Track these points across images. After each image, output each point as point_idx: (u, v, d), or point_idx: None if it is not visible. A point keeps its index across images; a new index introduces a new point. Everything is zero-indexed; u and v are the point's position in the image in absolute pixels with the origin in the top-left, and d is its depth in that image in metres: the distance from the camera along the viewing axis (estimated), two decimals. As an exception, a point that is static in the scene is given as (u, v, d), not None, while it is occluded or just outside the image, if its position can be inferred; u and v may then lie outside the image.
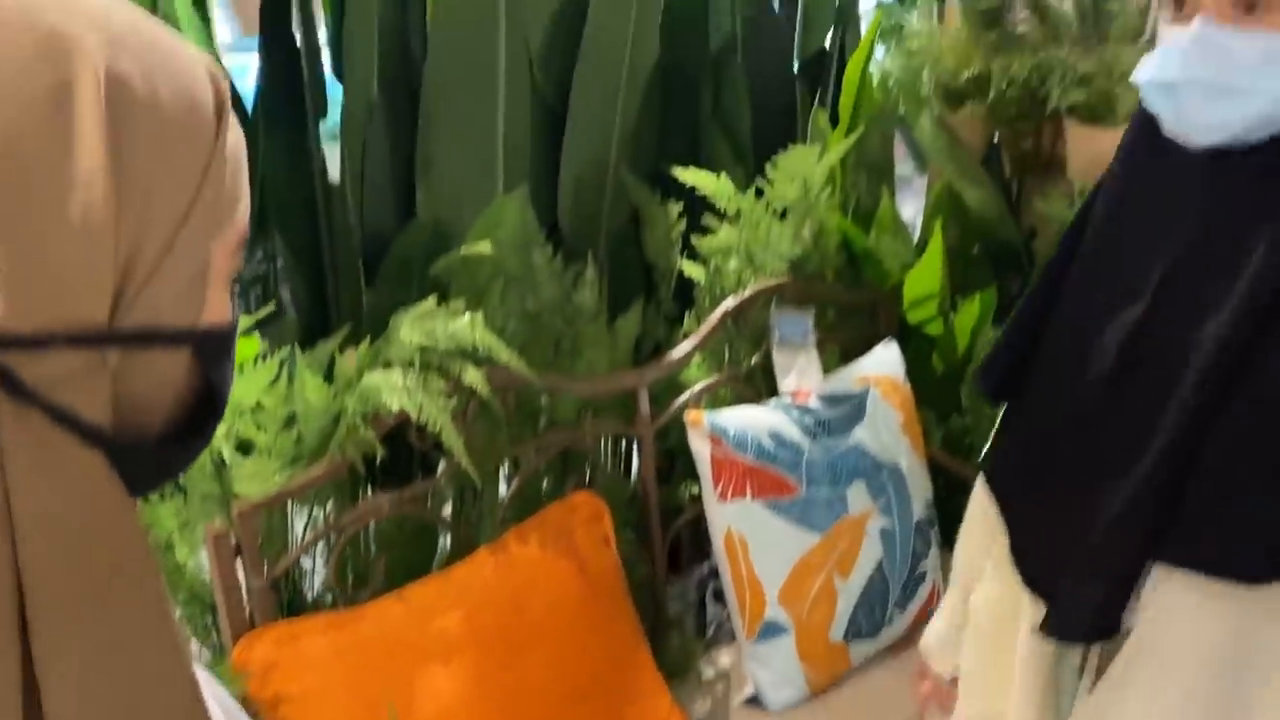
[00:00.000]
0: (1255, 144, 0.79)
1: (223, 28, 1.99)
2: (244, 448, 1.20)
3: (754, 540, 1.54)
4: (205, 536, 1.18)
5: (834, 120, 1.96)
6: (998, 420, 1.08)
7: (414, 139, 1.60)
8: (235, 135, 0.53)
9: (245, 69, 1.84)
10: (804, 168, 1.70)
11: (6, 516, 0.45)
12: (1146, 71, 0.83)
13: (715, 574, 1.70)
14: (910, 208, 2.47)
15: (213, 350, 0.53)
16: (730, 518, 1.54)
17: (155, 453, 0.53)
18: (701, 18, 1.95)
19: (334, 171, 1.71)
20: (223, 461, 1.19)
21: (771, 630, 1.54)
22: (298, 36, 1.69)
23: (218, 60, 1.67)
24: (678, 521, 1.63)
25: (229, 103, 0.52)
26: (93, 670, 0.49)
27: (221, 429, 1.19)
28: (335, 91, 1.69)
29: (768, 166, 1.71)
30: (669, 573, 1.69)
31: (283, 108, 1.69)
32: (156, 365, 0.51)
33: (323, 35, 1.71)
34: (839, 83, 1.96)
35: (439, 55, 1.59)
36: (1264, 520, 0.81)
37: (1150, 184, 0.88)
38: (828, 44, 2.18)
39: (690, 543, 1.79)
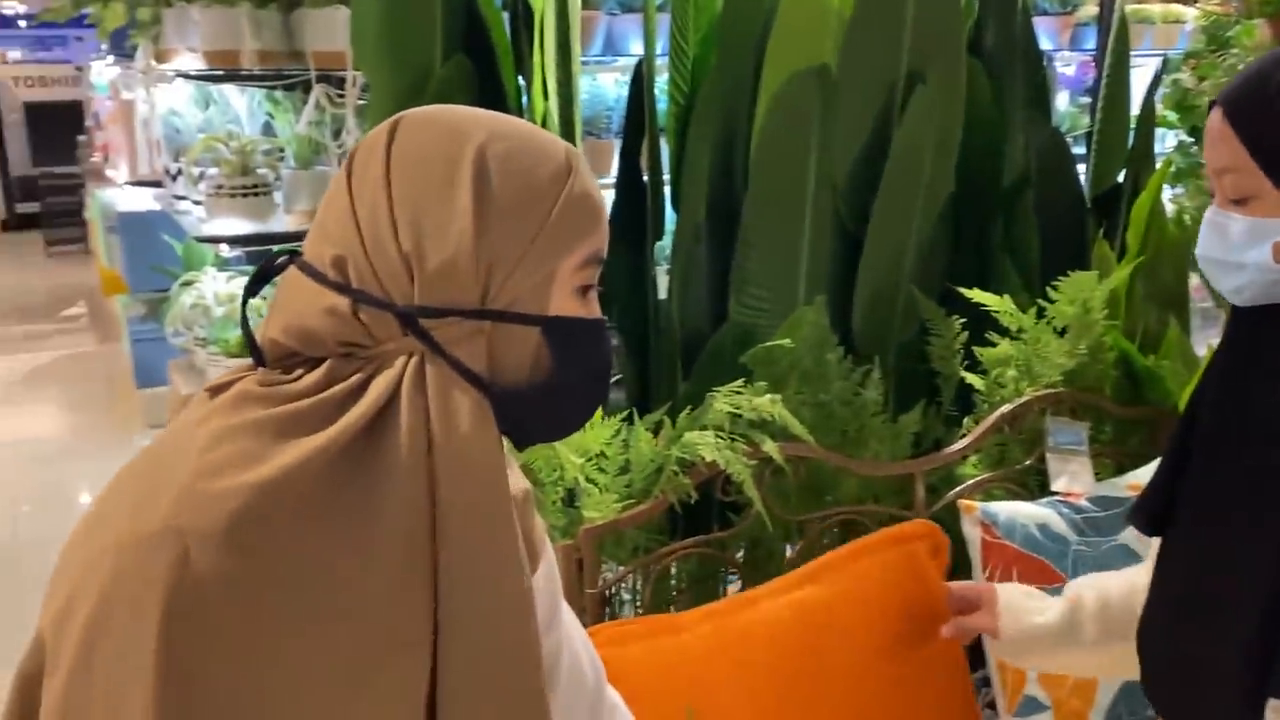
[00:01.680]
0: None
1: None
2: (591, 484, 1.60)
3: (1018, 623, 1.75)
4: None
5: (1123, 252, 2.19)
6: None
7: (730, 257, 2.02)
8: (583, 189, 0.82)
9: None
10: (1085, 291, 1.95)
11: (426, 434, 0.76)
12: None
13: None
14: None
15: (558, 334, 0.81)
16: (997, 600, 1.77)
17: (521, 399, 0.81)
18: (996, 156, 2.26)
19: (662, 284, 2.16)
20: (572, 496, 1.61)
21: (1031, 706, 1.73)
22: (645, 175, 2.18)
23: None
24: (947, 602, 1.87)
25: (576, 168, 0.82)
26: (482, 579, 0.76)
27: (574, 469, 1.60)
28: (670, 220, 2.15)
29: (1049, 289, 1.98)
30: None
31: (628, 231, 2.17)
32: (515, 337, 0.80)
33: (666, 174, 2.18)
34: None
35: (758, 188, 2.01)
36: None
37: (1242, 336, 1.09)
38: (1121, 179, 2.42)
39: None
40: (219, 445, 0.74)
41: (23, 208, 10.18)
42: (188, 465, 0.73)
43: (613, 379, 1.99)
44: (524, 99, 2.12)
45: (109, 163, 5.65)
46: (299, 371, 0.80)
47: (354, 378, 0.78)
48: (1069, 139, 3.25)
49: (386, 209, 0.78)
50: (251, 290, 0.86)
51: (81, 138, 8.02)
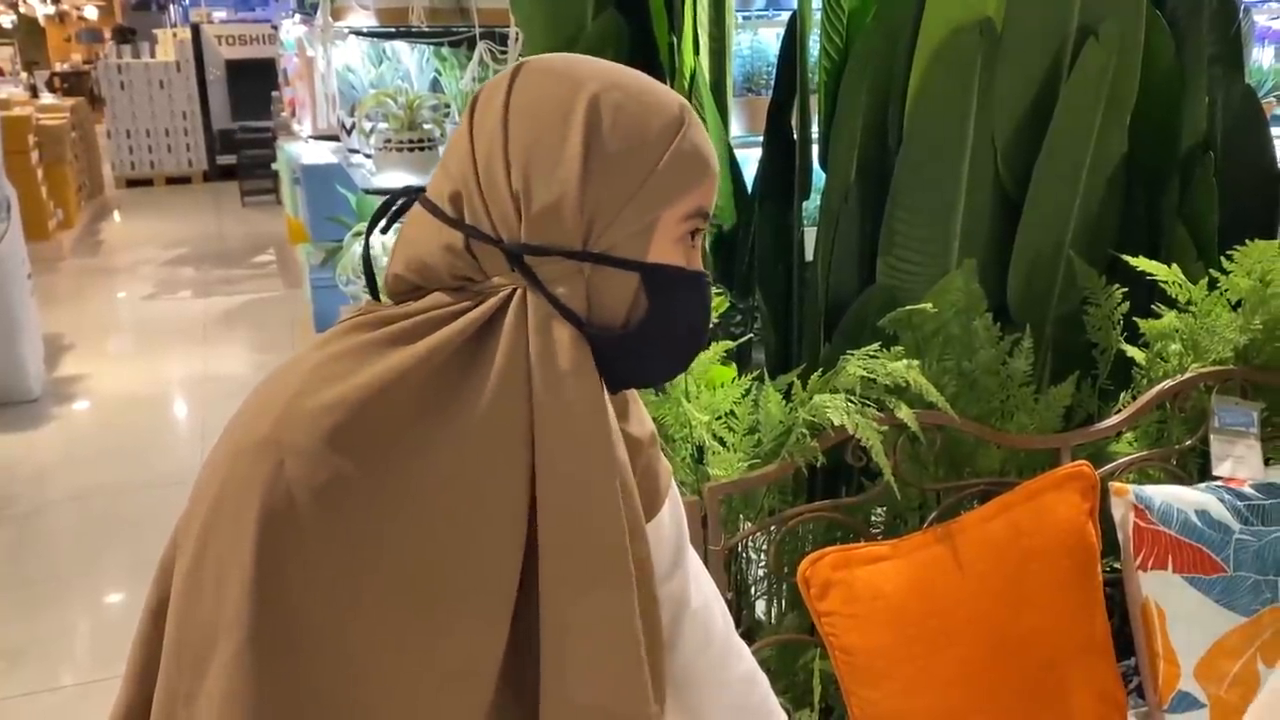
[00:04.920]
0: None
1: (735, 125, 2.53)
2: (719, 443, 1.61)
3: (1172, 612, 1.67)
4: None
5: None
6: None
7: (880, 218, 1.97)
8: (693, 143, 0.85)
9: (747, 160, 2.33)
10: (1264, 262, 1.82)
11: (525, 363, 0.81)
12: None
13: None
14: None
15: (656, 281, 0.84)
16: (1149, 588, 1.68)
17: (616, 342, 0.84)
18: (1175, 116, 2.12)
19: (808, 244, 2.13)
20: (701, 452, 1.62)
21: (1185, 703, 1.65)
22: (794, 132, 2.14)
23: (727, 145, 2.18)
24: (1091, 584, 1.79)
25: (688, 122, 0.84)
26: (579, 510, 0.80)
27: (702, 426, 1.61)
28: (818, 179, 2.11)
29: (1224, 260, 1.85)
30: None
31: (775, 190, 2.15)
32: (614, 281, 0.83)
33: (815, 132, 2.14)
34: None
35: (912, 146, 1.95)
36: None
37: None
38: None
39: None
40: (321, 367, 0.81)
41: (223, 159, 10.79)
42: (293, 385, 0.80)
43: (745, 339, 1.99)
44: (675, 56, 2.11)
45: (295, 117, 5.94)
46: (409, 302, 0.86)
47: (459, 305, 0.83)
48: (1274, 98, 3.03)
49: (501, 150, 0.83)
50: (374, 224, 0.92)
51: (274, 93, 8.47)
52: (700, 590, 1.11)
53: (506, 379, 0.80)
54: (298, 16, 5.67)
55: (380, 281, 0.92)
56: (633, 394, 0.99)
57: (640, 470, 0.95)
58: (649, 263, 0.84)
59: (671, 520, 1.07)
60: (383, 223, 0.93)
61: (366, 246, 0.91)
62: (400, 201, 0.91)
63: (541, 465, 0.80)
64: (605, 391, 0.87)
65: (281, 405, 0.79)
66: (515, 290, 0.82)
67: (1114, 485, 1.72)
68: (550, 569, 0.81)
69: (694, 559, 1.12)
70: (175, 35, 11.59)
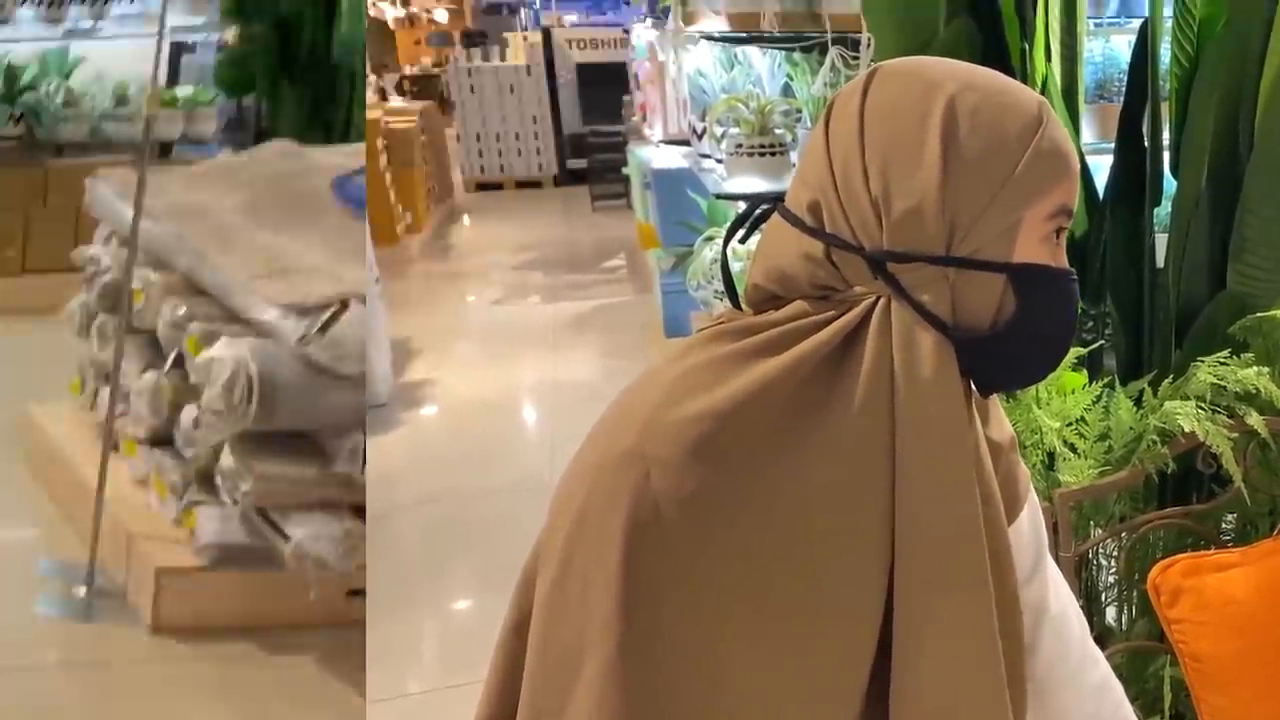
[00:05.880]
0: None
1: (1087, 132, 2.60)
2: (1070, 449, 1.73)
3: None
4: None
5: None
6: None
7: (1231, 224, 2.01)
8: (1052, 142, 0.84)
9: (1099, 166, 2.41)
10: None
11: (889, 373, 0.81)
12: None
13: None
14: None
15: (1024, 280, 0.85)
16: None
17: (984, 345, 0.84)
18: None
19: (1159, 250, 2.20)
20: (1051, 459, 1.77)
21: None
22: (1146, 139, 2.22)
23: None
24: None
25: (1047, 121, 0.84)
26: (938, 520, 0.81)
27: (1053, 433, 1.74)
28: (1169, 186, 2.18)
29: None
30: None
31: (1126, 196, 2.23)
32: (980, 284, 0.84)
33: (1166, 139, 2.21)
34: None
35: (1263, 152, 1.97)
36: None
37: None
38: None
39: None
40: (685, 378, 0.83)
41: (573, 164, 11.09)
42: (656, 395, 0.83)
43: (1097, 345, 2.10)
44: (1027, 63, 2.23)
45: (646, 121, 6.29)
46: (769, 311, 0.88)
47: (821, 315, 0.84)
48: None
49: (859, 156, 0.84)
50: (731, 234, 0.95)
51: (625, 97, 8.66)
52: (1058, 596, 1.12)
53: (872, 388, 0.81)
54: (649, 21, 6.03)
55: (739, 290, 0.94)
56: (993, 399, 1.00)
57: (1001, 475, 0.94)
58: (1016, 263, 0.85)
59: (1030, 525, 1.07)
60: (741, 232, 0.95)
61: (724, 256, 0.93)
62: (759, 210, 0.93)
63: (901, 474, 0.81)
64: (971, 397, 0.88)
65: (645, 417, 0.80)
66: (879, 299, 0.83)
67: None
68: (906, 575, 0.81)
69: (1052, 565, 1.12)
70: (526, 39, 11.89)
